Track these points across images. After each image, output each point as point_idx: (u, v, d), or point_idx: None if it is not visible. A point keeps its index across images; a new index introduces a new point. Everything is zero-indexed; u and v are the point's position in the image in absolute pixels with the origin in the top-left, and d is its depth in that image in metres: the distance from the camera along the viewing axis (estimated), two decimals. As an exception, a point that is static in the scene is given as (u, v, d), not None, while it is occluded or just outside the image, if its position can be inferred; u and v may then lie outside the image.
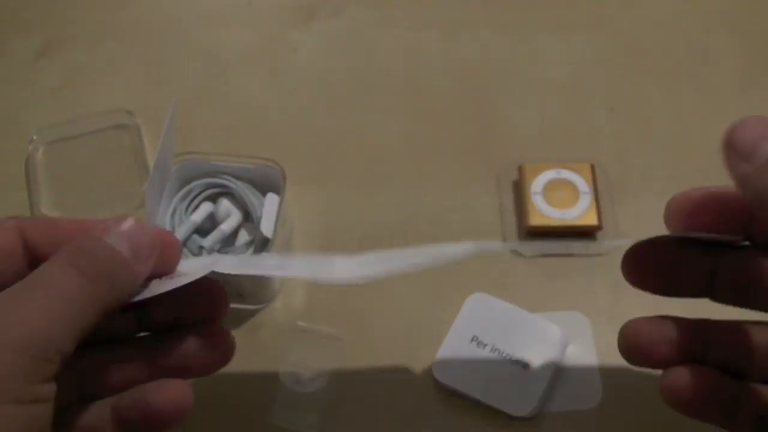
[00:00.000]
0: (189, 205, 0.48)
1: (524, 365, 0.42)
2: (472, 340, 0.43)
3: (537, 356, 0.42)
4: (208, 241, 0.46)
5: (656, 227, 0.50)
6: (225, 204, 0.47)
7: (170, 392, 0.29)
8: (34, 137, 0.53)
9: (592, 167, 0.50)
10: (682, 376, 0.30)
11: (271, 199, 0.46)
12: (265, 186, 0.47)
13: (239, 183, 0.47)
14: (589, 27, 0.60)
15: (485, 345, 0.42)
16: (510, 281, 0.48)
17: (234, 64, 0.58)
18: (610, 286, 0.47)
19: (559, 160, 0.51)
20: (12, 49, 0.59)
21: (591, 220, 0.48)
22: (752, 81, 0.56)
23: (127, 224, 0.29)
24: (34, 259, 0.29)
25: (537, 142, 0.54)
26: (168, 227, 0.46)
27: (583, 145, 0.53)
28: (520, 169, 0.50)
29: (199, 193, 0.48)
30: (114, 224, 0.29)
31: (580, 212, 0.48)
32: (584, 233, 0.49)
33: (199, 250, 0.45)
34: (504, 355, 0.42)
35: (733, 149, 0.28)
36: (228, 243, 0.47)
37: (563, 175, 0.50)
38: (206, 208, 0.47)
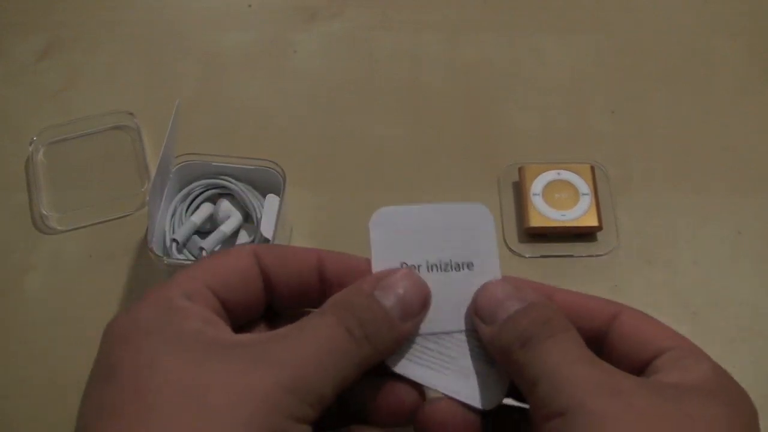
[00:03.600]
0: (189, 206, 0.48)
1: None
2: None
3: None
4: (208, 242, 0.46)
5: (656, 228, 0.50)
6: (225, 205, 0.47)
7: None
8: (35, 138, 0.53)
9: (593, 168, 0.50)
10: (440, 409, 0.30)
11: (271, 200, 0.46)
12: (265, 187, 0.47)
13: (239, 184, 0.47)
14: (590, 29, 0.60)
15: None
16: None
17: (234, 65, 0.58)
18: (609, 287, 0.47)
19: (559, 162, 0.51)
20: (13, 51, 0.59)
21: (591, 221, 0.48)
22: (752, 83, 0.57)
23: (399, 278, 0.30)
24: (268, 284, 0.30)
25: (537, 143, 0.54)
26: (168, 228, 0.46)
27: (583, 146, 0.53)
28: (521, 171, 0.50)
29: (200, 194, 0.48)
30: (387, 276, 0.30)
31: (580, 213, 0.48)
32: (584, 234, 0.49)
33: (200, 251, 0.45)
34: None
35: (478, 314, 0.31)
36: (228, 244, 0.47)
37: (563, 176, 0.50)
38: (206, 209, 0.47)
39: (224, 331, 0.27)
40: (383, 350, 0.28)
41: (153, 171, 0.51)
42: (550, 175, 0.50)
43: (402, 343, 0.30)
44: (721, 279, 0.48)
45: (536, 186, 0.49)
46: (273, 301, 0.31)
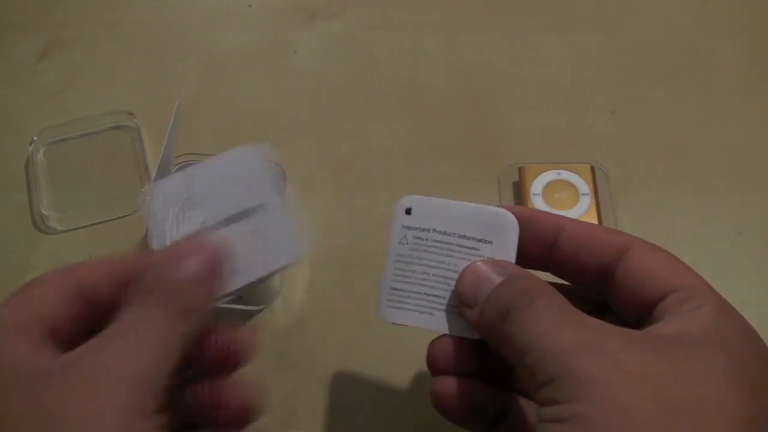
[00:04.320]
0: (189, 206, 0.47)
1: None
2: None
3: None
4: (208, 242, 0.46)
5: (656, 228, 0.50)
6: (225, 205, 0.47)
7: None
8: (35, 138, 0.53)
9: (593, 168, 0.50)
10: (449, 385, 0.32)
11: (272, 200, 0.46)
12: (265, 187, 0.47)
13: (239, 184, 0.47)
14: (590, 29, 0.60)
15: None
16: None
17: (234, 65, 0.58)
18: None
19: (559, 162, 0.51)
20: (13, 51, 0.59)
21: (591, 221, 0.48)
22: (752, 83, 0.57)
23: (185, 244, 0.30)
24: (94, 301, 0.29)
25: (537, 143, 0.54)
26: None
27: (583, 146, 0.53)
28: (521, 171, 0.50)
29: (200, 194, 0.48)
30: (172, 250, 0.29)
31: (580, 213, 0.48)
32: (584, 234, 0.49)
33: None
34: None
35: (461, 301, 0.31)
36: (228, 244, 0.47)
37: (563, 176, 0.50)
38: (206, 209, 0.47)
39: (49, 356, 0.26)
40: (202, 310, 0.28)
41: (153, 171, 0.51)
42: (550, 175, 0.50)
43: (212, 304, 0.29)
44: (721, 279, 0.48)
45: (536, 186, 0.49)
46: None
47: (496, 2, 0.61)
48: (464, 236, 0.32)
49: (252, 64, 0.58)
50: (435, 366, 0.32)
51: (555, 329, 0.26)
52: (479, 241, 0.32)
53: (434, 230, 0.33)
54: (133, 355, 0.26)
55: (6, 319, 0.27)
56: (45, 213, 0.50)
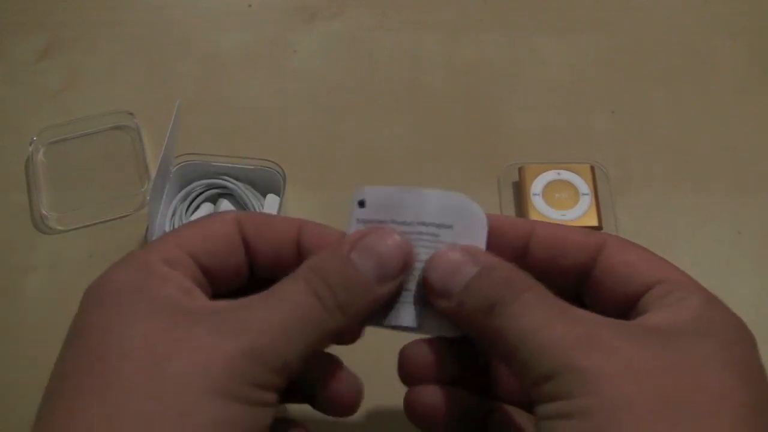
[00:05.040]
0: (189, 205, 0.48)
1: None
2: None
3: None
4: (208, 242, 0.46)
5: (656, 228, 0.50)
6: (225, 205, 0.47)
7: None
8: (35, 138, 0.53)
9: (593, 168, 0.50)
10: (431, 394, 0.30)
11: (272, 200, 0.46)
12: (265, 187, 0.47)
13: (239, 184, 0.47)
14: (590, 29, 0.60)
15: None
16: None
17: (234, 65, 0.58)
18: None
19: (559, 162, 0.51)
20: (13, 51, 0.59)
21: (591, 221, 0.48)
22: (752, 83, 0.56)
23: (379, 236, 0.28)
24: (250, 252, 0.29)
25: (538, 143, 0.54)
26: (168, 228, 0.46)
27: (583, 146, 0.53)
28: (521, 171, 0.50)
29: (200, 194, 0.48)
30: (364, 237, 0.28)
31: (580, 213, 0.48)
32: (584, 234, 0.49)
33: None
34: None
35: (431, 290, 0.29)
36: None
37: (563, 176, 0.50)
38: (207, 209, 0.47)
39: (199, 300, 0.27)
40: (355, 317, 0.27)
41: (153, 171, 0.51)
42: (550, 175, 0.50)
43: (368, 310, 0.28)
44: (721, 279, 0.48)
45: (536, 186, 0.49)
46: (255, 269, 0.30)
47: (496, 2, 0.61)
48: (423, 223, 0.30)
49: (252, 64, 0.58)
50: (409, 372, 0.30)
51: (546, 322, 0.25)
52: (438, 226, 0.30)
53: (392, 221, 0.30)
54: (267, 328, 0.25)
55: (177, 245, 0.28)
56: (45, 213, 0.50)
